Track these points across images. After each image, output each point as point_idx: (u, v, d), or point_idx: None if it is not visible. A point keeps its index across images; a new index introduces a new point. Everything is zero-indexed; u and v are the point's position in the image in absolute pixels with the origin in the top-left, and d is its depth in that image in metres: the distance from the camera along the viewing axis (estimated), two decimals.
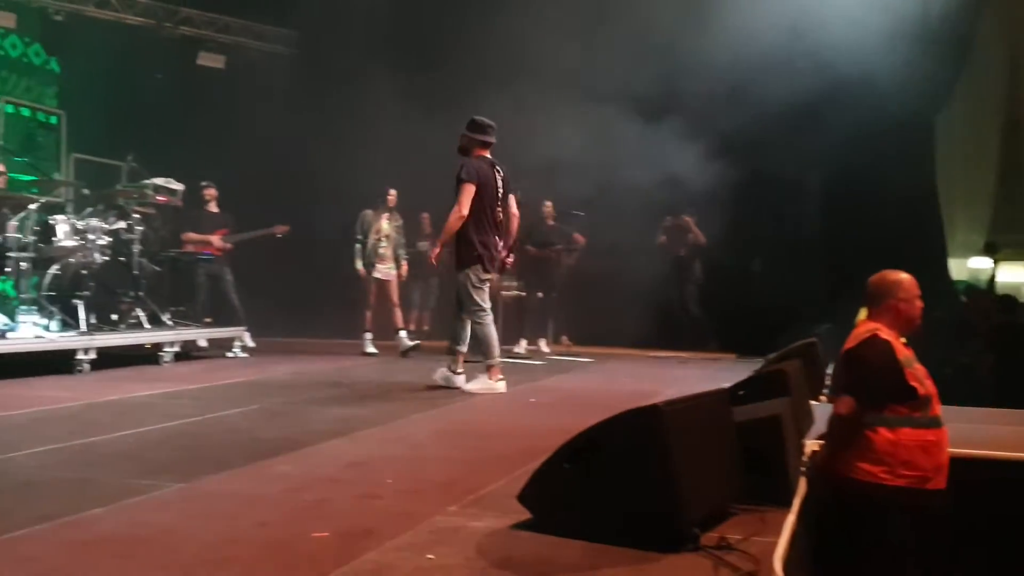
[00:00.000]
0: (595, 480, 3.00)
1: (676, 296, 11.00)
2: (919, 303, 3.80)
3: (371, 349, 9.82)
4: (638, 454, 2.96)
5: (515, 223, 7.11)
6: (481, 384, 6.73)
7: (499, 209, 6.78)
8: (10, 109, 12.13)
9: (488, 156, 6.85)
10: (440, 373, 6.93)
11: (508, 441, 4.77)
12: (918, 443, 3.58)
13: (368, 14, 11.07)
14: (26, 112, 12.85)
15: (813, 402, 5.12)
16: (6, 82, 12.99)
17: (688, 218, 10.89)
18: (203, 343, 9.71)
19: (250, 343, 9.71)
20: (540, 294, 10.61)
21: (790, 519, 3.19)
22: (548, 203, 10.67)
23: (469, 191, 6.56)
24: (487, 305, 6.75)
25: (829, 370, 6.24)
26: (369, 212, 9.87)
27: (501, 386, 6.74)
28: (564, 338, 10.95)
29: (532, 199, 10.66)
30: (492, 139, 6.86)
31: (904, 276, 3.83)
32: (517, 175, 10.41)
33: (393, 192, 9.94)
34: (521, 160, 9.77)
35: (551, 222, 10.72)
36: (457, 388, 6.73)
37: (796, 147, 9.81)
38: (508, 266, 7.37)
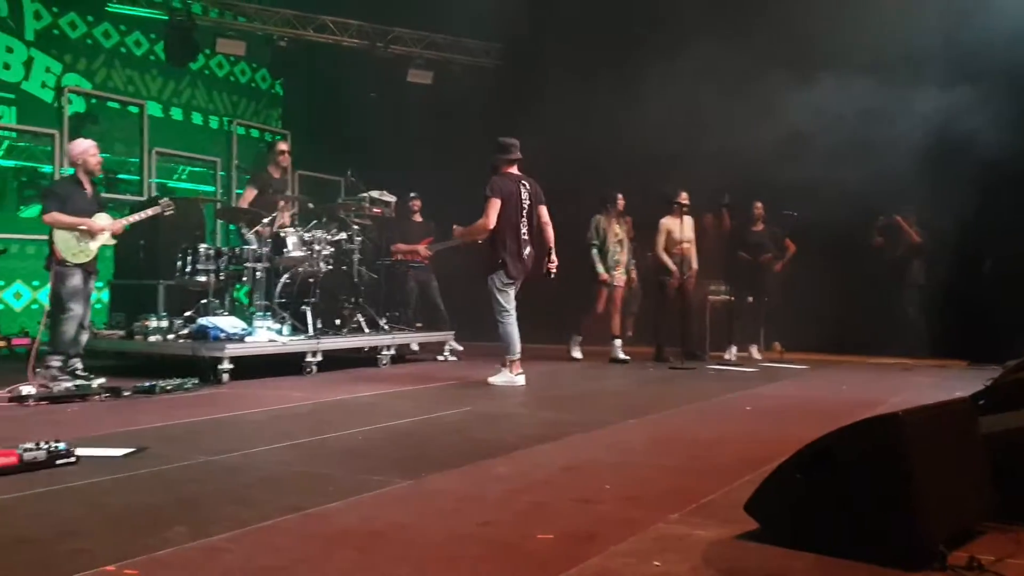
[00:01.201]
0: (829, 491, 2.86)
1: (896, 300, 10.40)
2: None
3: (578, 354, 9.87)
4: (876, 465, 2.79)
5: (548, 231, 7.58)
6: (503, 378, 7.33)
7: (523, 220, 7.35)
8: (241, 131, 13.14)
9: (515, 172, 7.49)
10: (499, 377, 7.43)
11: (726, 449, 4.65)
12: None
13: (570, 19, 11.17)
14: (255, 133, 13.90)
15: None
16: (237, 106, 14.12)
17: (899, 217, 10.29)
18: (415, 347, 10.12)
19: (458, 347, 10.03)
20: (751, 298, 10.30)
21: None
22: (759, 204, 10.34)
23: (494, 205, 7.27)
24: (511, 306, 7.37)
25: None
26: (601, 217, 9.81)
27: (521, 380, 7.32)
28: (776, 344, 10.57)
29: (743, 197, 10.39)
30: (516, 155, 7.51)
31: None
32: (723, 180, 10.25)
33: (621, 196, 9.90)
34: (730, 151, 9.56)
35: (761, 224, 10.39)
36: (521, 386, 7.25)
37: None
38: (551, 271, 7.58)
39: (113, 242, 7.29)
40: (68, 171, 9.81)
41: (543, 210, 7.60)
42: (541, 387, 7.44)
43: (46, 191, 6.99)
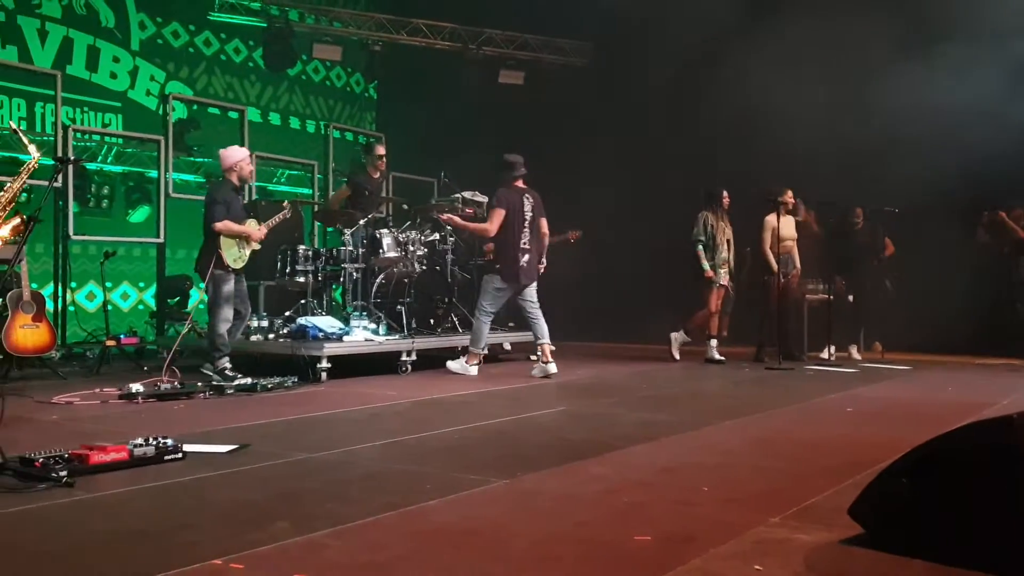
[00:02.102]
0: (939, 497, 2.76)
1: (1002, 298, 9.99)
2: None
3: (679, 355, 9.72)
4: (988, 470, 2.68)
5: (545, 241, 8.34)
6: (459, 365, 8.11)
7: (525, 230, 7.98)
8: (337, 135, 13.41)
9: (520, 185, 8.12)
10: (456, 363, 8.18)
11: (827, 452, 4.53)
12: None
13: (663, 19, 11.05)
14: (350, 136, 14.16)
15: None
16: (333, 110, 14.42)
17: (1003, 213, 9.87)
18: (507, 346, 10.16)
19: (551, 346, 10.00)
20: (850, 297, 10.02)
21: None
22: (859, 209, 10.05)
23: (498, 215, 7.96)
24: (492, 309, 8.10)
25: None
26: (708, 214, 9.52)
27: (474, 371, 8.06)
28: (877, 344, 10.26)
29: (840, 192, 10.12)
30: (522, 171, 8.13)
31: None
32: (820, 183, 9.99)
33: (727, 194, 9.66)
34: (828, 145, 9.29)
35: (862, 223, 10.08)
36: (473, 376, 8.00)
37: None
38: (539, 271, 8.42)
39: (259, 247, 7.51)
40: (174, 175, 10.22)
41: (543, 222, 8.26)
42: (636, 388, 7.38)
43: (210, 200, 7.23)
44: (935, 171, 8.90)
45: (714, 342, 9.56)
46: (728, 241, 9.58)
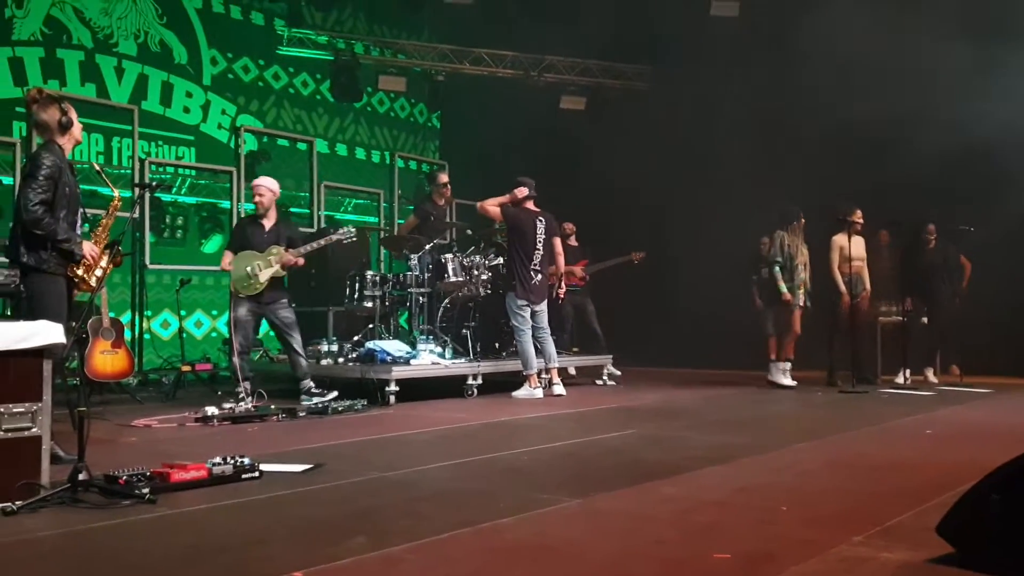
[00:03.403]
0: None
1: None
2: None
3: (789, 380, 9.29)
4: None
5: (560, 260, 8.65)
6: (524, 391, 8.13)
7: (537, 251, 8.23)
8: (401, 164, 13.61)
9: (531, 207, 8.40)
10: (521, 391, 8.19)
11: (908, 473, 4.41)
12: None
13: (722, 39, 11.02)
14: (414, 165, 14.35)
15: None
16: (397, 140, 14.64)
17: None
18: (572, 371, 10.14)
19: (616, 372, 9.96)
20: (924, 320, 9.76)
21: None
22: (931, 226, 9.81)
23: (497, 210, 8.37)
24: (525, 326, 8.18)
25: None
26: (785, 234, 9.24)
27: (539, 392, 8.13)
28: (954, 367, 9.96)
29: (915, 206, 9.92)
30: (532, 193, 8.40)
31: None
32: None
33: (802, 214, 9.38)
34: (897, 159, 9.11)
35: (934, 243, 9.84)
36: (539, 398, 8.07)
37: None
38: (560, 296, 9.03)
39: (283, 273, 7.44)
40: (246, 206, 10.46)
41: (557, 242, 8.57)
42: (706, 411, 7.28)
43: None
44: (1014, 186, 8.68)
45: (788, 365, 9.34)
46: (805, 263, 9.33)
